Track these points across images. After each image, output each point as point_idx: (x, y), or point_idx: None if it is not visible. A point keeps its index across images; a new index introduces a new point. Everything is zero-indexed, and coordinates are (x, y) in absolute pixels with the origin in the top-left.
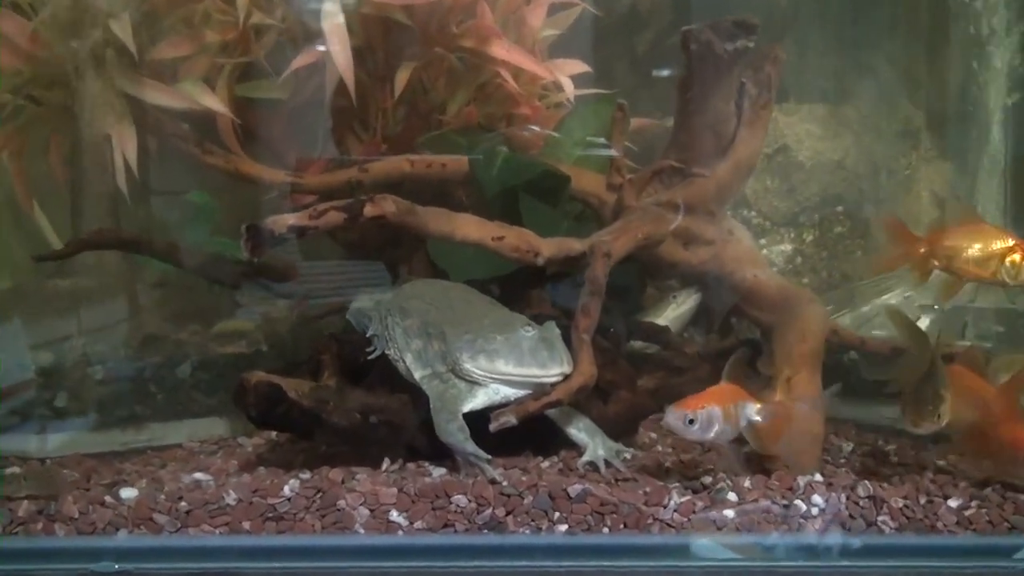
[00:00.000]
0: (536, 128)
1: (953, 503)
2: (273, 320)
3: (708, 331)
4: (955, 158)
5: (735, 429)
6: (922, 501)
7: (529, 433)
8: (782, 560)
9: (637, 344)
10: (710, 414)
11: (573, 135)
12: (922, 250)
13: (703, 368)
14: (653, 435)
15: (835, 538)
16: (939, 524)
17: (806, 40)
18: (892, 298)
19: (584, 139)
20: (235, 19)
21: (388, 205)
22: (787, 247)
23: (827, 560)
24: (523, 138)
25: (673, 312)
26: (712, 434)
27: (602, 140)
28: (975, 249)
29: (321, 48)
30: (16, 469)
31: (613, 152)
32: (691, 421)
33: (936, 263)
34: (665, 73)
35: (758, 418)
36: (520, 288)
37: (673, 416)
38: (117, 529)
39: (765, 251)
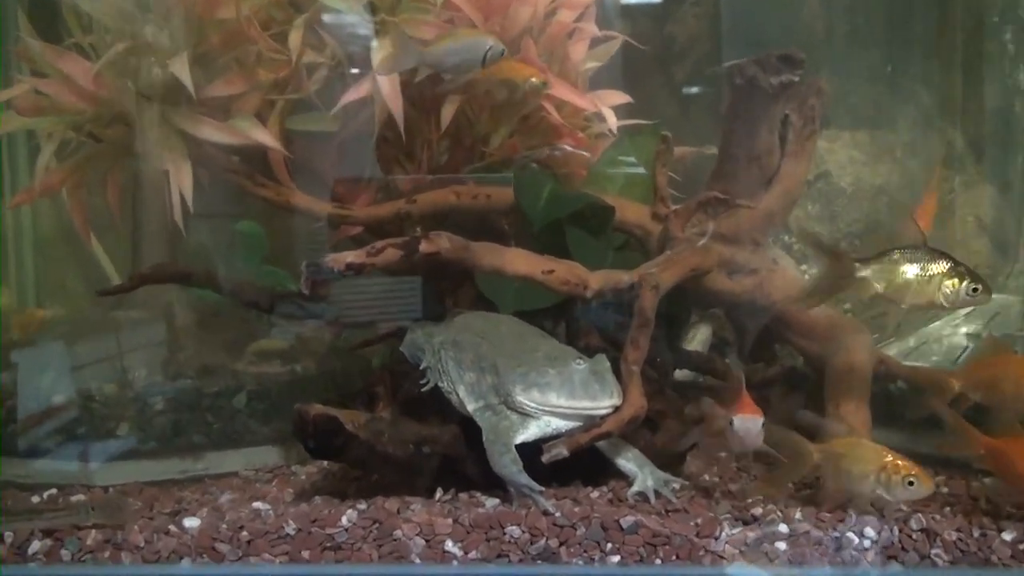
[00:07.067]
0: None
1: (1008, 536)
2: (306, 340)
3: (740, 357)
4: (997, 182)
5: None
6: (975, 534)
7: (579, 463)
8: None
9: (681, 373)
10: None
11: (616, 165)
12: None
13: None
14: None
15: (888, 571)
16: (993, 557)
17: (846, 67)
18: (939, 326)
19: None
20: (287, 58)
21: (443, 242)
22: None
23: None
24: (567, 168)
25: (693, 338)
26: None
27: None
28: None
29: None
30: (82, 497)
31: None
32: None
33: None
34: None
35: None
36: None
37: (751, 422)
38: (181, 558)
39: (807, 276)
